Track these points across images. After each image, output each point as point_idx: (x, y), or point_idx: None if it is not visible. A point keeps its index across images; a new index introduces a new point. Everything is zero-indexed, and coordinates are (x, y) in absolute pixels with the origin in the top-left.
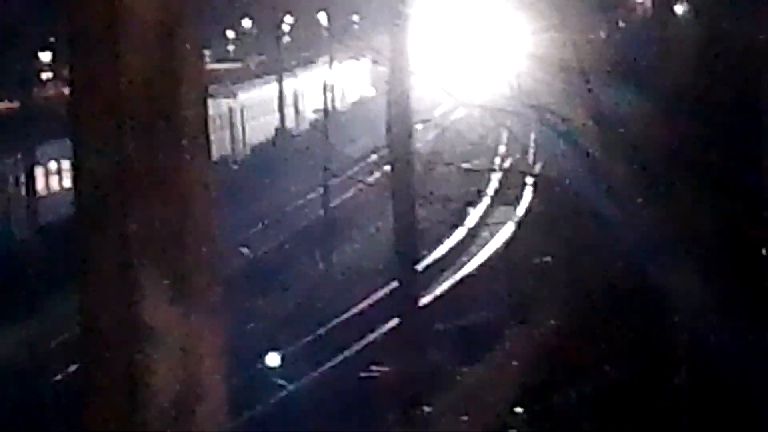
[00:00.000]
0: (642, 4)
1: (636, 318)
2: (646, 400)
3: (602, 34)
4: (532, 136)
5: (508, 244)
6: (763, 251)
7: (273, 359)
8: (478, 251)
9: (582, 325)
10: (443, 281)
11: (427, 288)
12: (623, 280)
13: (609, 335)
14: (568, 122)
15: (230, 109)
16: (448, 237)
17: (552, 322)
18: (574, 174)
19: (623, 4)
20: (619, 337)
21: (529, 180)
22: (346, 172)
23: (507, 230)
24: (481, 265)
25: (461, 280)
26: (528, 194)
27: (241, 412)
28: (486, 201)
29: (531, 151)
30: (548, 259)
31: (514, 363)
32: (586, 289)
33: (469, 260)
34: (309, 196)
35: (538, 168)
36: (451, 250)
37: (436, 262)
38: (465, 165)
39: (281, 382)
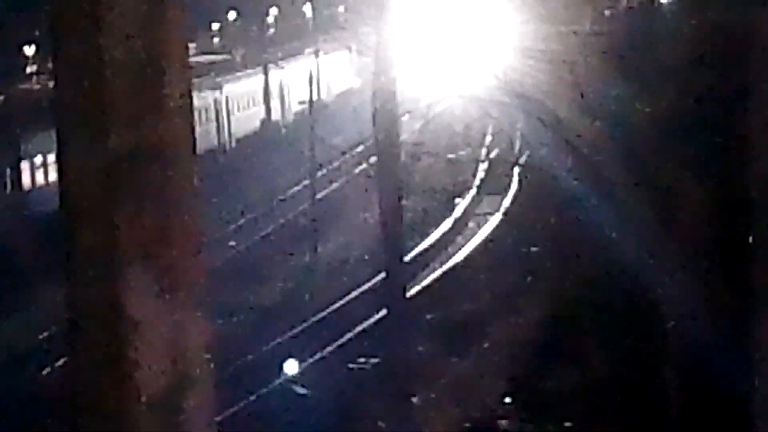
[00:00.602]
0: None
1: (624, 308)
2: (634, 390)
3: (587, 25)
4: (518, 126)
5: (494, 234)
6: (750, 240)
7: (291, 367)
8: (465, 242)
9: (570, 316)
10: (430, 272)
11: (414, 279)
12: (610, 270)
13: (597, 326)
14: (554, 112)
15: (215, 101)
16: (434, 228)
17: (540, 312)
18: (560, 164)
19: None
20: (607, 327)
21: (516, 170)
22: (332, 164)
23: (494, 221)
24: (468, 256)
25: (448, 271)
26: (514, 184)
27: (229, 403)
28: (472, 191)
29: (517, 141)
30: (535, 248)
31: (503, 353)
32: (573, 279)
33: (456, 251)
34: (295, 188)
35: (524, 158)
36: (438, 241)
37: (422, 253)
38: (451, 156)
39: (302, 390)
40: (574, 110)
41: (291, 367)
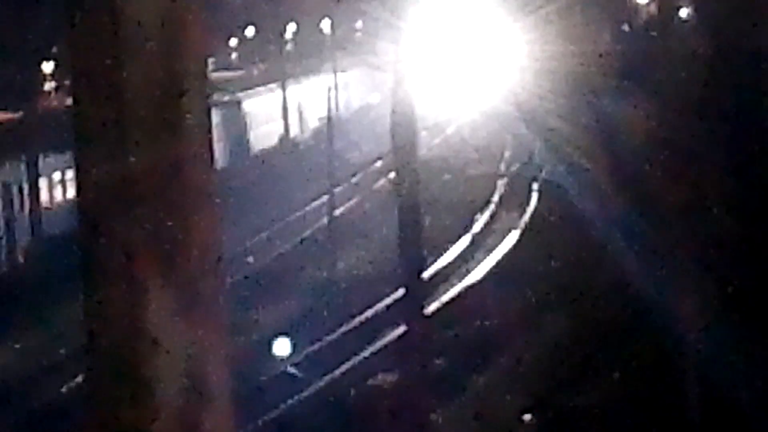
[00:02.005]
0: (647, 6)
1: (643, 325)
2: (654, 408)
3: (607, 39)
4: (537, 142)
5: (514, 250)
6: None
7: (282, 347)
8: (485, 258)
9: (590, 332)
10: (449, 289)
11: (433, 296)
12: (627, 287)
13: (617, 342)
14: (573, 129)
15: (234, 117)
16: (453, 244)
17: (560, 329)
18: (577, 181)
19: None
20: (627, 344)
21: (535, 186)
22: (350, 180)
23: (513, 236)
24: (488, 272)
25: (467, 288)
26: (533, 200)
27: (247, 419)
28: (491, 207)
29: (536, 157)
30: (555, 264)
31: (522, 370)
32: (593, 295)
33: (475, 267)
34: (313, 204)
35: (543, 174)
36: (457, 257)
37: (441, 269)
38: (470, 171)
39: (293, 371)
40: (590, 128)
41: (283, 348)
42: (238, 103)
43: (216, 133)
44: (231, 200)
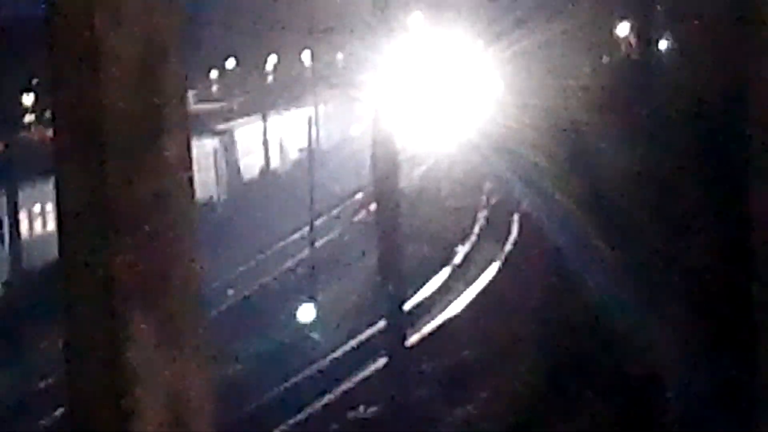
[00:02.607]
0: (626, 39)
1: (625, 356)
2: None
3: (586, 71)
4: (517, 173)
5: (495, 281)
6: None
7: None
8: (466, 289)
9: (572, 364)
10: (430, 320)
11: (413, 327)
12: (608, 319)
13: (599, 374)
14: (552, 162)
15: (214, 150)
16: (434, 275)
17: (541, 360)
18: (558, 212)
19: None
20: (610, 375)
21: (515, 217)
22: (331, 211)
23: (494, 268)
24: (469, 304)
25: (449, 319)
26: (514, 231)
27: None
28: (472, 238)
29: (516, 188)
30: (536, 296)
31: (503, 401)
32: (573, 327)
33: (456, 298)
34: (294, 236)
35: (523, 206)
36: (438, 288)
37: (422, 301)
38: (450, 203)
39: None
40: (571, 161)
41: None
42: (219, 135)
43: (196, 164)
44: (211, 233)
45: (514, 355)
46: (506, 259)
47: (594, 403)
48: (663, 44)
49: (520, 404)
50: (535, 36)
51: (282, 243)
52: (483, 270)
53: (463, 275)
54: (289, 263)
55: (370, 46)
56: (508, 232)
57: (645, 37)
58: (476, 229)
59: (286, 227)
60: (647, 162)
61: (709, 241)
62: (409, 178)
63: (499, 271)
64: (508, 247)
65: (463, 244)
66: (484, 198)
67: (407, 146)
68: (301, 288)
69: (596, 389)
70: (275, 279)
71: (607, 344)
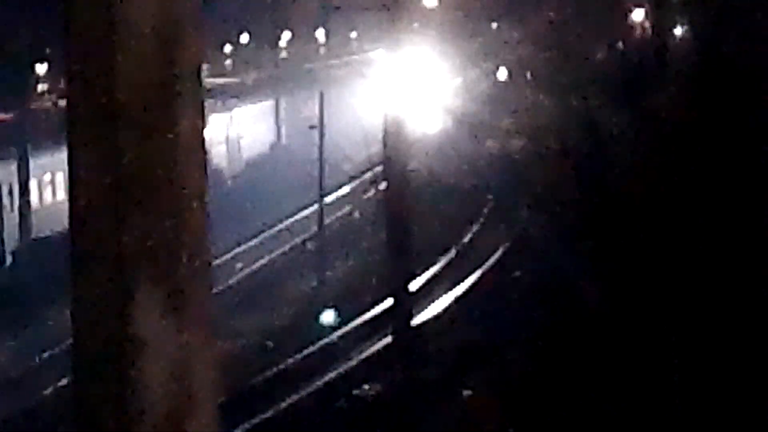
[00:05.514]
0: (641, 24)
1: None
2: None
3: (600, 56)
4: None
5: (503, 262)
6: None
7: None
8: (473, 270)
9: (578, 344)
10: (437, 300)
11: (420, 307)
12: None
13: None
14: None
15: (226, 124)
16: (442, 256)
17: (548, 341)
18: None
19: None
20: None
21: (525, 201)
22: (341, 189)
23: (502, 249)
24: (476, 284)
25: (455, 300)
26: (523, 213)
27: (234, 427)
28: (480, 219)
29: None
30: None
31: (509, 383)
32: (583, 309)
33: (463, 279)
34: (303, 212)
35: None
36: (445, 268)
37: (429, 280)
38: (461, 183)
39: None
40: (583, 140)
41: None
42: (231, 109)
43: (208, 139)
44: (222, 206)
45: (522, 335)
46: (514, 240)
47: (601, 386)
48: (678, 31)
49: (526, 384)
50: (550, 18)
51: (292, 219)
52: (490, 251)
53: (469, 256)
54: (298, 239)
55: (384, 23)
56: (517, 214)
57: (660, 23)
58: (485, 210)
59: (296, 204)
60: (660, 145)
61: (728, 229)
62: (420, 157)
63: (507, 252)
64: (515, 228)
65: (471, 224)
66: (493, 178)
67: (419, 125)
68: (309, 264)
69: (605, 373)
70: (284, 254)
71: (619, 332)
